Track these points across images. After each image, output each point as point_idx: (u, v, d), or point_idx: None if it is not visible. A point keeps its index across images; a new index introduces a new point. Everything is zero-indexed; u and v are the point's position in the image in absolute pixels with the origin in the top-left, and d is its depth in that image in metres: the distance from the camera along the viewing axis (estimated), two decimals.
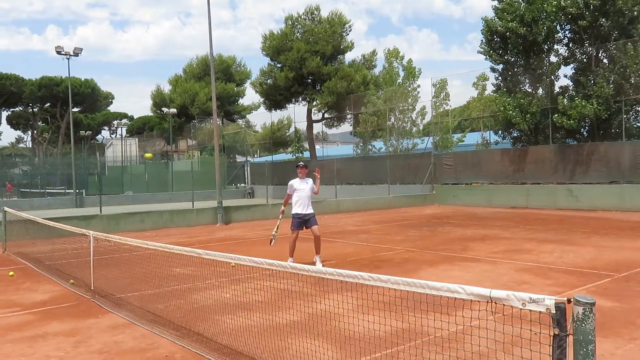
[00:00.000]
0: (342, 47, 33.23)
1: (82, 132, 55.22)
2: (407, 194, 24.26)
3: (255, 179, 37.06)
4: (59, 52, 30.02)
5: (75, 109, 57.70)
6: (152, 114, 56.56)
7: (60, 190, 36.42)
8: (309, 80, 33.60)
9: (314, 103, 33.90)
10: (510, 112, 21.82)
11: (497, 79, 24.10)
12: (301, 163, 9.62)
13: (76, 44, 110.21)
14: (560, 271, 7.99)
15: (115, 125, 70.26)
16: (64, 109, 55.16)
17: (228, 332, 5.05)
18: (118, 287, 7.31)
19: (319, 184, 9.35)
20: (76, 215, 17.04)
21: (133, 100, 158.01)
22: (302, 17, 33.28)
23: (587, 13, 19.62)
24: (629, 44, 19.25)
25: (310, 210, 9.09)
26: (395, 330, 4.41)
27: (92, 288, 7.25)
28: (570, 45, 21.96)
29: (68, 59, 30.46)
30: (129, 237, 6.88)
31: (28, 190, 37.89)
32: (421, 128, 32.10)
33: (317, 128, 38.63)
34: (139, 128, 63.85)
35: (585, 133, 21.88)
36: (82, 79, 58.73)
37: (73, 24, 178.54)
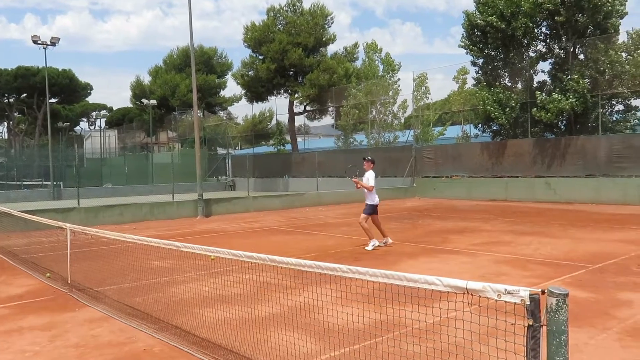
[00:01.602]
0: (324, 39, 33.10)
1: (60, 124, 54.01)
2: (388, 187, 24.37)
3: (237, 172, 36.88)
4: (35, 42, 29.39)
5: (53, 100, 56.57)
6: (131, 106, 55.77)
7: (37, 183, 35.76)
8: (291, 73, 33.43)
9: (296, 95, 33.75)
10: (489, 106, 22.02)
11: (477, 72, 24.29)
12: (365, 157, 10.73)
13: (55, 33, 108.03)
14: (538, 263, 8.12)
15: (94, 117, 69.23)
16: (41, 99, 54.07)
17: (207, 325, 5.04)
18: (95, 280, 7.23)
19: (364, 184, 10.05)
20: (53, 207, 16.76)
21: (112, 91, 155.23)
22: (284, 8, 33.08)
23: (562, 9, 19.83)
24: (597, 42, 19.62)
25: (366, 200, 10.13)
26: (374, 322, 4.44)
27: (69, 281, 7.16)
28: (548, 40, 22.23)
29: (45, 48, 29.84)
30: (108, 230, 6.79)
31: (4, 182, 37.12)
32: (402, 121, 32.25)
33: (299, 121, 38.56)
34: (118, 119, 62.89)
35: (562, 127, 22.22)
36: (60, 69, 57.53)
37: (52, 13, 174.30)
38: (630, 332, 4.80)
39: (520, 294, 2.25)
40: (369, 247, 9.80)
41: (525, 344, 2.25)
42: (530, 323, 2.23)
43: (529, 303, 2.22)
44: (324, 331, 4.56)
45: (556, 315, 2.18)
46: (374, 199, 10.04)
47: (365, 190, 10.03)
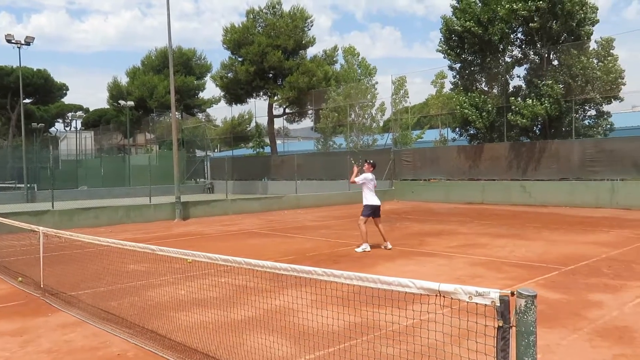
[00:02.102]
0: (303, 42, 33.15)
1: (34, 124, 52.96)
2: None
3: (215, 174, 36.63)
4: (9, 41, 28.88)
5: (27, 100, 55.45)
6: (108, 107, 55.01)
7: (10, 185, 34.98)
8: (270, 75, 33.39)
9: (275, 98, 33.71)
10: (466, 110, 22.33)
11: (454, 77, 24.60)
12: (367, 159, 10.93)
13: (30, 32, 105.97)
14: (512, 265, 8.25)
15: (70, 118, 68.05)
16: (15, 99, 52.94)
17: (183, 329, 5.00)
18: (69, 284, 7.11)
19: (354, 175, 10.40)
20: (27, 210, 16.44)
21: (89, 92, 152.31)
22: (264, 10, 33.05)
23: (537, 16, 20.19)
24: (571, 49, 20.06)
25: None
26: (349, 325, 4.46)
27: (41, 286, 7.02)
28: (523, 46, 22.62)
29: (19, 47, 29.34)
30: (83, 233, 6.69)
31: None
32: (381, 124, 32.43)
33: (278, 123, 38.48)
34: (94, 121, 61.96)
35: (537, 131, 22.60)
36: (35, 69, 56.45)
37: (27, 12, 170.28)
38: (600, 332, 4.91)
39: (490, 296, 2.29)
40: (359, 250, 9.95)
41: (495, 345, 2.29)
42: (500, 324, 2.27)
43: (498, 305, 2.26)
44: (299, 334, 4.57)
45: (525, 317, 2.23)
46: (368, 199, 10.23)
47: (363, 190, 10.29)
